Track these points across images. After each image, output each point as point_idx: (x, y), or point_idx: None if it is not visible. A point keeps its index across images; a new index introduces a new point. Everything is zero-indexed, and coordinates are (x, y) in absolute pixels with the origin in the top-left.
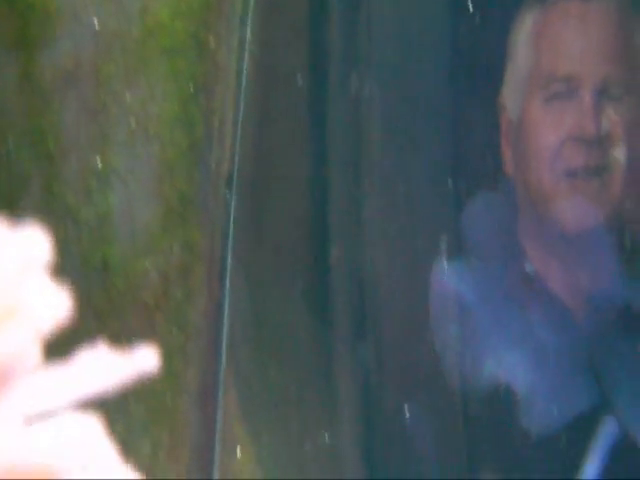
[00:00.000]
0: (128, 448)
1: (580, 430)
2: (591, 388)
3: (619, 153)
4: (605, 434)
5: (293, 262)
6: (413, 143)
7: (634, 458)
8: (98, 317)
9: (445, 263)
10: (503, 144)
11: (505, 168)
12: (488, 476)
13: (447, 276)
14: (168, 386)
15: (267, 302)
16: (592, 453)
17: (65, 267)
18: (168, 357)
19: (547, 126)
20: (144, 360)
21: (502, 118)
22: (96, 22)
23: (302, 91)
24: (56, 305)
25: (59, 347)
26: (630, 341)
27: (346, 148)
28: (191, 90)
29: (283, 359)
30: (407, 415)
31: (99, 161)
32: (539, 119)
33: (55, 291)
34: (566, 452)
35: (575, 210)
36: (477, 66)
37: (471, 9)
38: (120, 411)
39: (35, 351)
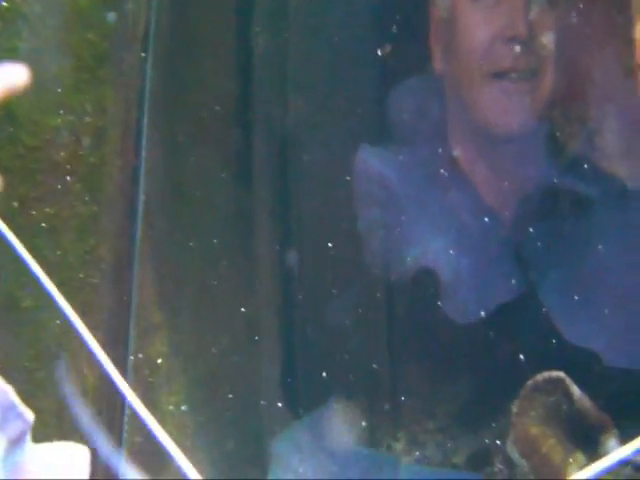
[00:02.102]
0: (37, 322)
1: (505, 319)
2: (516, 276)
3: (549, 55)
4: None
5: (213, 126)
6: (341, 26)
7: (559, 347)
8: (5, 173)
9: (371, 145)
10: (432, 41)
11: (434, 64)
12: (410, 363)
13: (372, 158)
14: (80, 260)
15: (186, 171)
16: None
17: None
18: (81, 228)
19: (476, 25)
20: (13, 75)
21: (432, 12)
22: None
23: None
24: None
25: None
26: (556, 228)
27: (272, 9)
28: None
29: (202, 233)
30: (328, 297)
31: (5, 1)
32: (468, 17)
33: None
34: (490, 341)
35: (504, 113)
36: None
37: None
38: (28, 283)
39: None
